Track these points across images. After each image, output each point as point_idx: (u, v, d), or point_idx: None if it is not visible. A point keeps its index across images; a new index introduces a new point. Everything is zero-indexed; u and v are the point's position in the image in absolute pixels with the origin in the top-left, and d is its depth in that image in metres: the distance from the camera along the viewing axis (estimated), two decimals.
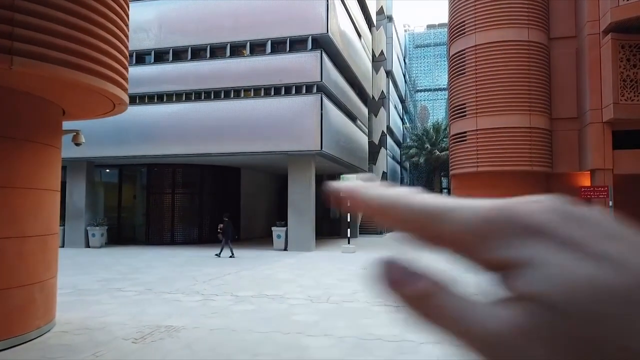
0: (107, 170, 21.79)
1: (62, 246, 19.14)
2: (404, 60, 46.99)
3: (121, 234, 21.20)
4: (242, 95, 17.62)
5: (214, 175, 21.56)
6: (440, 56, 46.92)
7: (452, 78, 17.73)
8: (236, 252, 16.59)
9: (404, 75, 46.09)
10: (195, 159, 18.74)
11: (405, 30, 48.98)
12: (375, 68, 30.94)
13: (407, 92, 48.26)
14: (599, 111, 15.29)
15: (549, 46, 16.85)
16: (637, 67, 14.54)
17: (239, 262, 13.66)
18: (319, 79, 16.77)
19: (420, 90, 50.20)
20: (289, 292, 8.75)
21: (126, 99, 6.15)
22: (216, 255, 15.07)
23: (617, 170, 15.18)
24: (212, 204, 21.50)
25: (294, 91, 17.08)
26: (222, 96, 17.76)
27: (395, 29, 37.74)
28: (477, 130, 16.40)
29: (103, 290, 8.91)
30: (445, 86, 48.96)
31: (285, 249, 17.41)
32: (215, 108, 17.62)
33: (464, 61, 16.93)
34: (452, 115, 17.60)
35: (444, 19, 47.31)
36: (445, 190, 45.05)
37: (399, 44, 42.43)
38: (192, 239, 20.72)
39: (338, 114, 19.23)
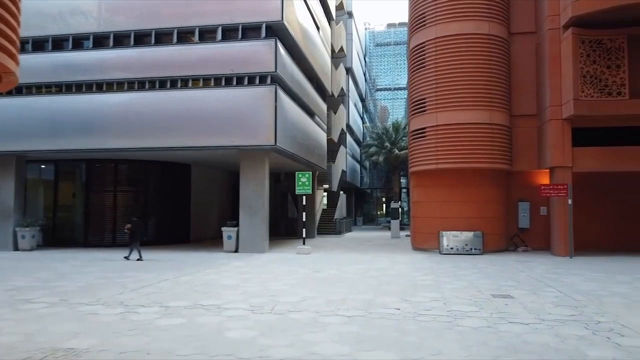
0: (43, 166, 19.92)
1: None
2: (364, 58, 46.55)
3: (58, 235, 19.40)
4: (190, 85, 16.36)
5: (161, 172, 20.11)
6: (400, 55, 46.71)
7: (412, 72, 17.09)
8: (183, 255, 15.33)
9: (364, 74, 45.64)
10: (140, 154, 17.30)
11: (366, 28, 48.56)
12: (335, 64, 30.16)
13: (368, 90, 47.83)
14: (558, 108, 15.00)
15: (509, 41, 16.50)
16: (597, 63, 14.31)
17: (182, 266, 12.44)
18: (273, 69, 15.74)
19: (381, 89, 49.90)
20: (229, 300, 7.69)
21: (15, 69, 4.95)
22: (125, 257, 14.05)
23: (576, 168, 14.93)
24: (159, 203, 20.04)
25: (246, 82, 15.97)
26: (169, 86, 16.42)
27: (355, 25, 37.16)
28: (437, 126, 15.81)
29: (7, 302, 7.56)
30: (405, 85, 48.84)
31: (236, 251, 16.27)
32: (160, 99, 16.27)
33: (424, 54, 16.31)
34: (412, 111, 16.96)
35: (405, 17, 47.22)
36: (404, 190, 44.91)
37: (359, 41, 41.92)
38: None
39: (294, 108, 18.26)
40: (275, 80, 16.02)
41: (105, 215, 19.02)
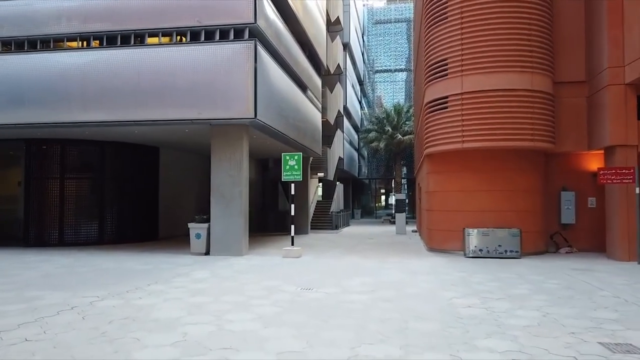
0: None
1: None
2: (363, 37, 42.86)
3: None
4: (146, 41, 12.78)
5: (120, 155, 16.55)
6: (401, 34, 43.11)
7: (429, 27, 13.56)
8: (135, 258, 11.81)
9: (363, 54, 41.97)
10: (89, 132, 13.79)
11: (364, 5, 44.84)
12: (331, 37, 26.61)
13: (366, 73, 44.22)
14: (620, 69, 11.61)
15: None
16: None
17: (119, 278, 8.96)
18: (251, 20, 12.21)
19: (380, 71, 46.26)
20: None
21: None
22: None
23: None
24: (118, 193, 16.52)
25: (217, 37, 12.44)
26: (119, 42, 12.84)
27: None
28: (462, 94, 12.35)
29: None
30: (405, 67, 45.31)
31: (207, 253, 12.85)
32: (109, 59, 12.69)
33: (446, 3, 12.81)
34: (429, 77, 13.46)
35: None
36: (404, 180, 41.58)
37: (358, 17, 38.24)
38: (90, 238, 15.70)
39: (281, 76, 14.73)
40: (254, 34, 12.49)
41: (50, 208, 15.47)
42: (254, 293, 7.56)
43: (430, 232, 14.13)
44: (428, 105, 13.47)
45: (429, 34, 13.58)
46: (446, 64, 12.73)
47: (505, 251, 12.25)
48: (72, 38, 13.14)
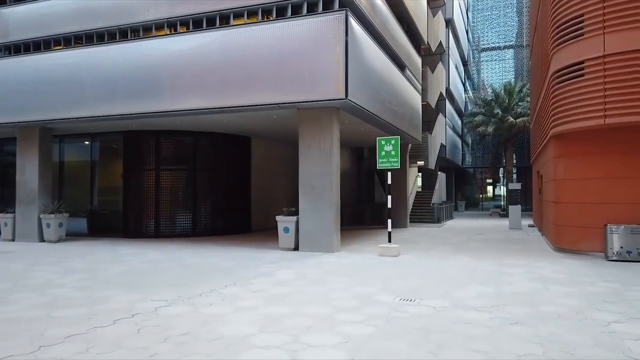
0: (87, 143, 16.96)
1: (13, 240, 14.64)
2: (467, 14, 39.33)
3: (101, 223, 16.45)
4: (232, 22, 11.97)
5: (213, 146, 16.24)
6: (510, 6, 38.86)
7: None
8: (222, 254, 11.14)
9: (467, 32, 38.51)
10: (176, 120, 13.42)
11: None
12: (432, 12, 24.32)
13: (470, 53, 40.63)
14: None
15: None
16: None
17: (198, 278, 8.14)
18: None
19: (486, 49, 42.28)
20: None
21: None
22: None
23: None
24: (211, 184, 16.23)
25: (304, 10, 11.22)
26: (205, 25, 12.20)
27: None
28: (604, 56, 9.82)
29: None
30: (514, 43, 40.92)
31: (296, 249, 11.81)
32: (195, 43, 12.09)
33: None
34: (558, 38, 11.00)
35: None
36: (515, 170, 37.52)
37: None
38: (184, 231, 15.58)
39: (375, 51, 13.15)
40: (345, 4, 11.08)
41: (146, 199, 15.57)
42: (342, 303, 6.20)
43: (558, 229, 11.68)
44: (556, 75, 11.01)
45: None
46: (581, 21, 10.22)
47: None
48: (159, 25, 12.78)
